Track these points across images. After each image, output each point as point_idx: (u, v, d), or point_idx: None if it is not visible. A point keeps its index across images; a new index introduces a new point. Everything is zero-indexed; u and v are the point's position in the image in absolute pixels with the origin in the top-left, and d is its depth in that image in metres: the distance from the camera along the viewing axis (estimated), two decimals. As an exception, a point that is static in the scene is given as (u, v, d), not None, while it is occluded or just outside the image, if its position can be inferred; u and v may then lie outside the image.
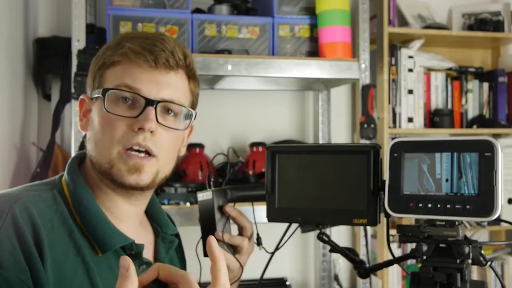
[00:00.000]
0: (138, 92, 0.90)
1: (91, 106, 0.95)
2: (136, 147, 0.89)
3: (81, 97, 0.98)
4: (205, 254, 1.11)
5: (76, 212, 0.90)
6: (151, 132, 0.89)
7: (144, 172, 0.91)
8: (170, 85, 0.93)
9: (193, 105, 1.00)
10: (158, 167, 0.93)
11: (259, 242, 1.10)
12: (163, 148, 0.92)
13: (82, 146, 1.63)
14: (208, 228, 1.07)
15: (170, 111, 0.94)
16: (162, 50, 0.91)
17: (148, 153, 0.91)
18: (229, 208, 1.06)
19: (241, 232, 1.10)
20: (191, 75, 0.98)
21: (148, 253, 0.99)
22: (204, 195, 1.08)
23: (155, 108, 0.90)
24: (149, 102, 0.90)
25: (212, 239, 0.68)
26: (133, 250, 0.92)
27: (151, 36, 0.94)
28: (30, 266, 0.80)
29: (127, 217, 0.97)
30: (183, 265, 1.15)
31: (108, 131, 0.90)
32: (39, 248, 0.81)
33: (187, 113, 0.96)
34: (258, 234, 1.10)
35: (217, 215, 1.05)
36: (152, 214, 1.06)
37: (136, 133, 0.89)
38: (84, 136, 0.98)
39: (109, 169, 0.90)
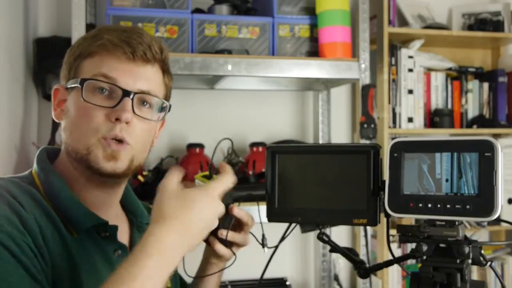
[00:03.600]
0: (115, 82, 0.91)
1: (66, 96, 0.96)
2: (113, 138, 0.91)
3: (55, 87, 0.99)
4: None
5: (48, 197, 0.91)
6: (127, 122, 0.91)
7: (120, 160, 0.92)
8: (147, 77, 0.95)
9: (167, 98, 1.03)
10: (133, 154, 0.94)
11: (264, 244, 1.09)
12: (138, 138, 0.94)
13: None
14: None
15: (145, 103, 0.96)
16: (139, 43, 0.93)
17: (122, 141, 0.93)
18: (236, 209, 1.05)
19: (241, 227, 1.10)
20: (166, 69, 1.00)
21: (124, 241, 1.00)
22: None
23: (132, 99, 0.92)
24: (126, 93, 0.91)
25: None
26: (107, 232, 0.94)
27: (128, 30, 0.96)
28: (27, 230, 0.81)
29: (102, 207, 0.98)
30: None
31: (85, 120, 0.91)
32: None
33: (162, 105, 0.98)
34: (263, 235, 1.09)
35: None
36: (126, 205, 1.07)
37: (113, 124, 0.91)
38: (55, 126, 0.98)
39: (87, 155, 0.91)
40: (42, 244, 0.83)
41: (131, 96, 0.91)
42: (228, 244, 1.05)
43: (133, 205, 1.08)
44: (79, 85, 0.92)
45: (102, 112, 0.91)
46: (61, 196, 0.92)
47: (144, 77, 0.94)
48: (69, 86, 0.95)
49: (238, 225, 1.06)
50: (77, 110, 0.93)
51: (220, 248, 1.04)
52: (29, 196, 0.89)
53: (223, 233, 1.03)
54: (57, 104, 0.99)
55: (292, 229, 1.00)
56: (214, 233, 1.04)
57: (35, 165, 0.97)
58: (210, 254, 1.09)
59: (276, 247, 1.02)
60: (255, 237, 1.07)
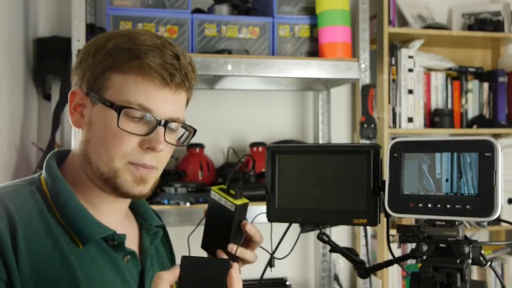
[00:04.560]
0: (150, 112, 0.90)
1: (87, 104, 0.93)
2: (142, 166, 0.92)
3: (73, 89, 0.95)
4: (202, 246, 1.10)
5: (55, 206, 0.90)
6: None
7: (148, 184, 0.93)
8: (178, 104, 0.94)
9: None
10: (157, 176, 0.96)
11: (271, 264, 1.08)
12: (163, 161, 0.96)
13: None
14: (220, 236, 1.05)
15: (172, 128, 0.95)
16: (177, 69, 0.91)
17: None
18: (249, 226, 1.05)
19: (249, 243, 1.09)
20: (190, 88, 0.98)
21: (133, 244, 0.99)
22: (226, 202, 1.04)
23: (164, 127, 0.91)
24: (160, 122, 0.90)
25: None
26: (115, 241, 0.93)
27: (166, 49, 0.91)
28: (4, 259, 0.81)
29: (111, 211, 0.97)
30: (171, 257, 1.16)
31: (116, 144, 0.90)
32: (15, 243, 0.82)
33: (185, 127, 0.98)
34: (272, 256, 1.07)
35: (234, 229, 1.04)
36: (135, 208, 1.07)
37: (144, 152, 0.90)
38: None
39: (114, 178, 0.91)
40: (15, 272, 0.82)
41: (164, 125, 0.91)
42: (236, 259, 1.04)
43: (142, 207, 1.07)
44: (115, 112, 0.89)
45: (135, 140, 0.90)
46: (68, 205, 0.90)
47: (176, 104, 0.93)
48: (94, 100, 0.91)
49: (246, 241, 1.05)
50: (108, 132, 0.90)
51: None
52: (32, 208, 0.88)
53: (233, 248, 1.02)
54: (73, 108, 0.95)
55: (299, 236, 1.00)
56: (223, 247, 1.03)
57: (43, 171, 0.95)
58: None
59: (277, 247, 1.01)
60: (263, 249, 1.06)
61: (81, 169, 0.94)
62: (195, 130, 0.99)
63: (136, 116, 0.90)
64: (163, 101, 0.91)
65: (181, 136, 1.00)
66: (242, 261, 1.06)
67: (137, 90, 0.89)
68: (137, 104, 0.89)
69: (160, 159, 0.94)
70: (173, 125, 0.94)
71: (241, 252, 1.03)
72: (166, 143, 0.92)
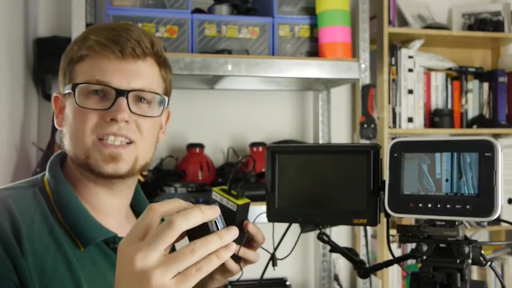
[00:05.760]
0: (108, 84, 0.91)
1: (64, 103, 0.96)
2: (112, 137, 0.90)
3: (54, 94, 0.99)
4: None
5: (57, 208, 0.91)
6: (126, 121, 0.91)
7: (122, 161, 0.92)
8: (140, 74, 0.93)
9: (167, 92, 1.01)
10: (137, 153, 0.94)
11: (274, 263, 1.08)
12: (141, 134, 0.94)
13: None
14: None
15: (143, 99, 0.95)
16: (127, 40, 0.92)
17: (126, 141, 0.92)
18: (251, 225, 1.05)
19: (251, 243, 1.09)
20: (161, 62, 0.98)
21: None
22: (227, 202, 1.04)
23: (127, 98, 0.91)
24: (120, 93, 0.90)
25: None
26: (116, 244, 0.92)
27: (116, 27, 0.95)
28: (13, 261, 0.81)
29: (112, 211, 0.97)
30: None
31: (81, 124, 0.91)
32: (19, 243, 0.83)
33: (160, 99, 0.97)
34: (274, 254, 1.07)
35: None
36: (137, 209, 1.06)
37: (109, 124, 0.90)
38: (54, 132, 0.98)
39: (86, 160, 0.91)
40: (26, 270, 0.82)
41: (125, 95, 0.90)
42: (239, 259, 1.04)
43: (144, 209, 1.07)
44: (71, 91, 0.92)
45: (97, 114, 0.91)
46: (70, 207, 0.91)
47: (137, 74, 0.93)
48: (65, 92, 0.95)
49: (248, 241, 1.05)
50: (73, 116, 0.93)
51: (229, 263, 1.03)
52: (35, 210, 0.88)
53: (235, 248, 1.02)
54: (58, 111, 0.98)
55: (299, 236, 0.99)
56: None
57: (46, 172, 0.96)
58: (214, 269, 1.08)
59: (275, 249, 1.01)
60: (264, 249, 1.06)
61: (74, 168, 0.95)
62: (168, 99, 0.99)
63: (97, 90, 0.91)
64: (121, 73, 0.92)
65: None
66: (245, 261, 1.06)
67: (93, 69, 0.91)
68: (94, 80, 0.91)
69: (134, 130, 0.92)
70: (145, 96, 0.94)
71: (244, 252, 1.03)
72: (132, 113, 0.91)
